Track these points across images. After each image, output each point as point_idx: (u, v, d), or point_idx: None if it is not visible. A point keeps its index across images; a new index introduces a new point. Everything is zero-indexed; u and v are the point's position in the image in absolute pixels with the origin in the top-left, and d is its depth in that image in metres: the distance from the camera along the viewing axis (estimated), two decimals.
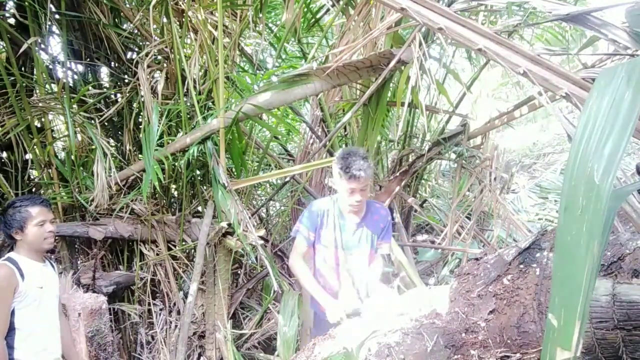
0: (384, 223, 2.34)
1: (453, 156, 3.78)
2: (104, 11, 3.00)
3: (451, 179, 5.73)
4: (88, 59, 3.16)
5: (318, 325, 2.40)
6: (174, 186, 3.40)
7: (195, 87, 2.91)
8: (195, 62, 2.91)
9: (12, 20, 2.98)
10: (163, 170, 2.74)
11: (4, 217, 2.05)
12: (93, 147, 2.88)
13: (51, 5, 2.85)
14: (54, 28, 3.10)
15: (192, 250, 3.31)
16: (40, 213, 2.04)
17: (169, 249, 3.24)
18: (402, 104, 2.53)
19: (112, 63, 3.36)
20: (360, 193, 2.14)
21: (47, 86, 3.14)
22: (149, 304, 3.28)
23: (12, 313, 1.94)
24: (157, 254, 3.21)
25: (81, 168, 3.05)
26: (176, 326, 3.21)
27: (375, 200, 2.66)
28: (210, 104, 3.03)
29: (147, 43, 3.08)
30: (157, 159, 2.69)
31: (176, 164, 3.03)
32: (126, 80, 3.25)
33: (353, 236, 2.29)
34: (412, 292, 1.85)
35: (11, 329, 1.95)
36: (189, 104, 3.00)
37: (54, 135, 3.24)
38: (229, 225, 2.70)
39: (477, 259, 1.56)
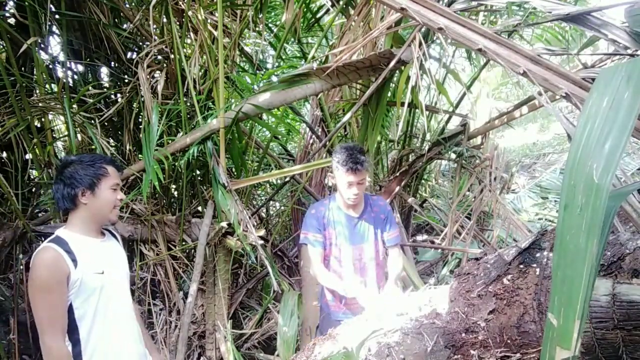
0: (384, 214, 2.37)
1: (453, 156, 3.78)
2: (104, 11, 3.00)
3: (451, 179, 5.73)
4: (88, 59, 3.16)
5: (325, 323, 2.41)
6: (174, 186, 3.40)
7: (195, 87, 2.91)
8: (195, 62, 2.91)
9: (12, 20, 2.98)
10: (163, 170, 2.74)
11: (62, 175, 1.60)
12: (93, 147, 2.88)
13: (51, 5, 2.85)
14: (54, 28, 3.10)
15: (192, 250, 3.31)
16: (116, 175, 1.67)
17: (169, 249, 3.24)
18: (402, 104, 2.53)
19: (112, 63, 3.36)
20: (358, 186, 2.18)
21: (47, 86, 3.14)
22: (149, 304, 3.28)
23: (70, 308, 1.55)
24: (157, 254, 3.21)
25: None
26: (176, 326, 3.21)
27: (371, 193, 2.68)
28: (210, 104, 3.03)
29: (147, 43, 3.08)
30: (157, 159, 2.68)
31: (176, 164, 3.03)
32: (126, 80, 3.25)
33: (355, 231, 2.32)
34: (412, 292, 1.85)
35: (73, 328, 1.56)
36: (189, 104, 3.00)
37: (54, 135, 3.24)
38: (229, 225, 2.70)
39: (477, 259, 1.56)
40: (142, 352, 1.81)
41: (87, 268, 1.57)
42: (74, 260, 1.53)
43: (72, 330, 1.56)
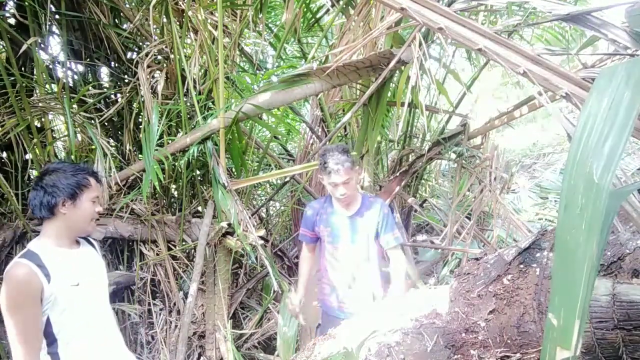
0: (380, 214, 2.37)
1: (453, 156, 3.77)
2: (104, 11, 3.00)
3: (451, 179, 5.73)
4: (88, 59, 3.16)
5: (325, 324, 2.45)
6: (174, 186, 3.40)
7: (195, 87, 2.91)
8: (195, 62, 2.91)
9: (12, 20, 2.98)
10: (163, 170, 2.74)
11: (43, 182, 1.54)
12: (93, 147, 2.88)
13: (51, 5, 2.85)
14: (54, 28, 3.10)
15: (192, 250, 3.31)
16: (97, 187, 1.64)
17: (169, 249, 3.24)
18: (402, 104, 2.53)
19: (112, 63, 3.36)
20: (344, 186, 2.21)
21: (47, 86, 3.14)
22: (149, 304, 3.28)
23: (48, 322, 1.53)
24: (157, 254, 3.21)
25: None
26: (176, 326, 3.21)
27: (369, 195, 2.71)
28: (210, 104, 3.03)
29: (147, 43, 3.08)
30: (157, 159, 2.69)
31: (176, 164, 3.03)
32: (126, 80, 3.25)
33: (348, 230, 2.35)
34: (412, 292, 1.85)
35: (52, 341, 1.54)
36: (189, 104, 3.01)
37: (54, 135, 3.23)
38: (229, 225, 2.70)
39: (477, 259, 1.56)
40: (126, 358, 1.80)
41: (62, 281, 1.53)
42: (47, 275, 1.49)
43: (51, 344, 1.54)
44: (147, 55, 2.89)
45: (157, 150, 2.69)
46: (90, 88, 3.13)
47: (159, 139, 2.71)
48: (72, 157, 2.93)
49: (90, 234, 1.73)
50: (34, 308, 1.47)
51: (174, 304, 3.28)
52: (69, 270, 1.57)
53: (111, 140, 3.44)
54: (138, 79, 2.89)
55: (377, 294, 2.40)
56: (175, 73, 2.91)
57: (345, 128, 4.35)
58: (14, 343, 1.47)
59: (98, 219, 1.70)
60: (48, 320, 1.53)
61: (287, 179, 4.09)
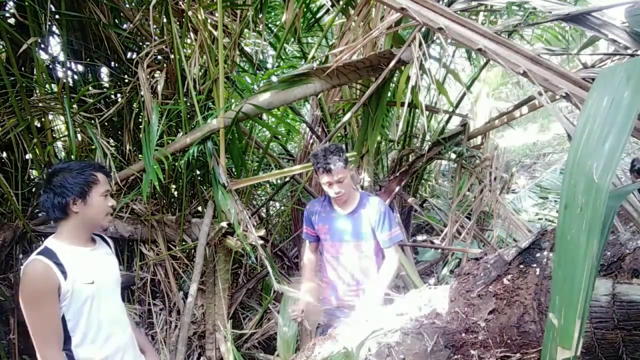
0: (377, 213, 2.37)
1: (453, 156, 3.78)
2: (104, 11, 3.00)
3: (451, 179, 5.73)
4: (88, 59, 3.16)
5: (326, 323, 2.45)
6: (174, 186, 3.40)
7: (195, 87, 2.91)
8: (195, 62, 2.91)
9: (12, 20, 2.98)
10: (163, 170, 2.74)
11: (51, 184, 1.56)
12: (93, 147, 2.87)
13: (51, 5, 2.85)
14: (54, 28, 3.09)
15: (192, 250, 3.31)
16: (106, 182, 1.66)
17: (169, 249, 3.24)
18: (402, 104, 2.53)
19: (112, 63, 3.35)
20: (338, 185, 2.24)
21: (47, 86, 3.14)
22: (149, 304, 3.28)
23: (63, 319, 1.54)
24: (157, 254, 3.21)
25: None
26: (176, 326, 3.21)
27: (368, 193, 2.73)
28: (210, 104, 3.03)
29: (147, 43, 3.08)
30: (157, 159, 2.68)
31: (176, 164, 3.03)
32: (126, 80, 3.25)
33: (345, 227, 2.36)
34: (412, 292, 1.85)
35: (66, 339, 1.55)
36: (189, 104, 3.00)
37: (54, 135, 3.23)
38: (229, 225, 2.70)
39: (477, 259, 1.56)
40: (136, 357, 1.81)
41: (77, 279, 1.54)
42: (64, 272, 1.50)
43: (66, 341, 1.56)
44: (147, 55, 2.89)
45: (157, 150, 2.69)
46: (90, 88, 3.13)
47: (159, 139, 2.71)
48: (72, 157, 2.93)
49: (106, 228, 1.74)
50: (52, 303, 1.48)
51: (174, 304, 3.28)
52: (84, 268, 1.59)
53: (111, 140, 3.44)
54: (138, 79, 2.89)
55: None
56: (175, 73, 2.91)
57: (345, 128, 4.36)
58: (36, 339, 1.49)
59: (112, 214, 1.72)
60: (63, 317, 1.54)
61: (287, 179, 4.09)
